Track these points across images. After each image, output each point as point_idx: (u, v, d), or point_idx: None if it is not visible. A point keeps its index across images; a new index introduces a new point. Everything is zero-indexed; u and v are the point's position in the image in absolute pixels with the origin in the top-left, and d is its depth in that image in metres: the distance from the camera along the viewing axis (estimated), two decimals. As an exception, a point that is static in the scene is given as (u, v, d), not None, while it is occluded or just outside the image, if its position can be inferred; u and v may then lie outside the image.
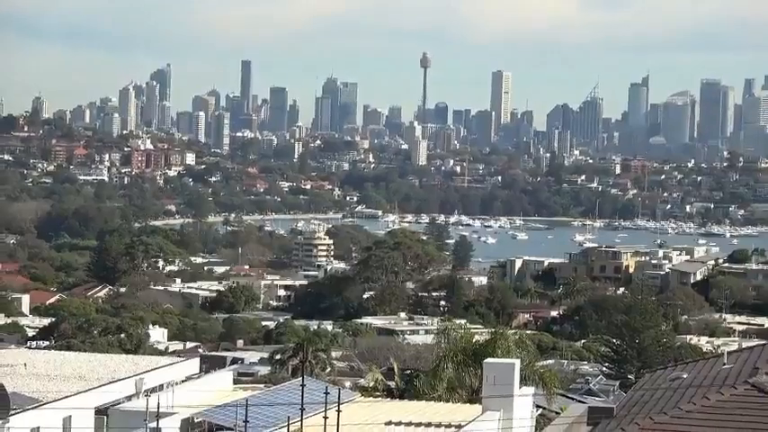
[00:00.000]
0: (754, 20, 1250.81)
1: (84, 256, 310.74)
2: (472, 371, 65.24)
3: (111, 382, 64.28)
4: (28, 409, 56.58)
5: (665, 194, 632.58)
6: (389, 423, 51.08)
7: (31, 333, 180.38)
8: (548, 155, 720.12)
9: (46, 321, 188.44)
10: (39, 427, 56.06)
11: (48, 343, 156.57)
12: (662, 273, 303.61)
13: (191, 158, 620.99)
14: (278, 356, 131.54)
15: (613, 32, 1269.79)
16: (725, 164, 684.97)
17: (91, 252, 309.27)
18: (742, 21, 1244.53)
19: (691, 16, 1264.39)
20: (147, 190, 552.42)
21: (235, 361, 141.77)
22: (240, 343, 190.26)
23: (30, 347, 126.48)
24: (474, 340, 72.35)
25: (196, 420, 49.34)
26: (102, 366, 70.36)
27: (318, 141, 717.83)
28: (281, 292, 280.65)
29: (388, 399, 64.49)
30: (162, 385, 63.63)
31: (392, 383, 74.05)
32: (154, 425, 41.76)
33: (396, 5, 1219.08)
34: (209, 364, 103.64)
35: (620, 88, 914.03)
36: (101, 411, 58.24)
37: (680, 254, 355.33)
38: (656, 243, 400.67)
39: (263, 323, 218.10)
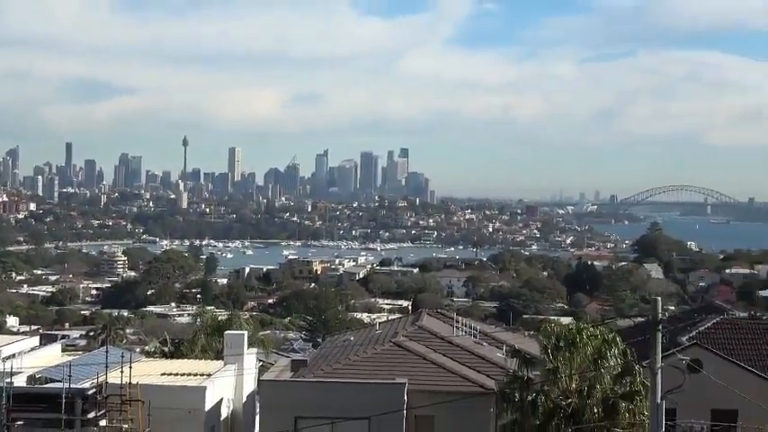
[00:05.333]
0: (392, 115, 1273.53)
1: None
2: (217, 339, 64.85)
3: (-22, 354, 62.02)
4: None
5: (339, 224, 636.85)
6: (164, 374, 50.45)
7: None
8: (265, 200, 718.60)
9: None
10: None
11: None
12: (338, 273, 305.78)
13: (33, 206, 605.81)
14: (91, 333, 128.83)
15: (305, 121, 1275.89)
16: (376, 204, 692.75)
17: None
18: (383, 115, 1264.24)
19: (352, 112, 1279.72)
20: (4, 227, 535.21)
21: (63, 337, 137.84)
22: (67, 325, 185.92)
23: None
24: (218, 319, 71.94)
25: (37, 377, 47.87)
26: (-27, 343, 67.69)
27: (117, 194, 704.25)
28: (93, 292, 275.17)
29: (163, 359, 63.57)
30: (14, 354, 61.54)
31: (166, 349, 73.05)
32: (9, 380, 40.40)
33: (168, 106, 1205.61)
34: (46, 340, 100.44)
35: (310, 157, 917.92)
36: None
37: (349, 261, 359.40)
38: (335, 255, 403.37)
39: (82, 312, 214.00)
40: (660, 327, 30.46)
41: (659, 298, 32.89)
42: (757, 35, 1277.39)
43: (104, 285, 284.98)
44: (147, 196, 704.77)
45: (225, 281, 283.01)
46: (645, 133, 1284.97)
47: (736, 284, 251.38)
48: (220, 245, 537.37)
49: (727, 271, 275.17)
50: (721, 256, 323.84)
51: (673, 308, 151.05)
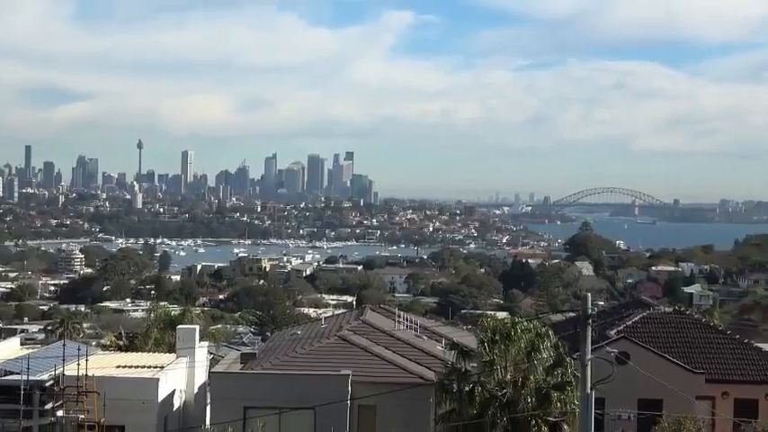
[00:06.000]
0: (338, 120, 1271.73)
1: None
2: (170, 333, 64.47)
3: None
4: None
5: (288, 223, 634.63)
6: (119, 366, 50.16)
7: None
8: (216, 201, 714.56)
9: None
10: None
11: None
12: (286, 270, 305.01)
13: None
14: (49, 327, 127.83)
15: (255, 126, 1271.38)
16: (323, 204, 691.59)
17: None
18: (329, 120, 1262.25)
19: (300, 117, 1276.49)
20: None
21: (22, 331, 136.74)
22: (26, 319, 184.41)
23: None
24: (171, 314, 71.54)
25: (-5, 369, 47.51)
26: (-68, 338, 66.90)
27: (74, 194, 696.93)
28: (52, 288, 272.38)
29: (119, 352, 63.12)
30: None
31: (121, 342, 72.54)
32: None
33: (123, 111, 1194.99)
34: (6, 334, 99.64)
35: (259, 160, 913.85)
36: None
37: (297, 259, 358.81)
38: (283, 253, 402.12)
39: (41, 307, 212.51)
40: (590, 321, 30.75)
41: (589, 294, 33.36)
42: (682, 46, 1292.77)
43: (62, 282, 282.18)
44: (104, 197, 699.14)
45: (178, 277, 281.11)
46: (576, 138, 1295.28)
47: (662, 281, 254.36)
48: (174, 243, 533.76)
49: (654, 268, 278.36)
50: (648, 255, 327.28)
51: (602, 303, 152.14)
